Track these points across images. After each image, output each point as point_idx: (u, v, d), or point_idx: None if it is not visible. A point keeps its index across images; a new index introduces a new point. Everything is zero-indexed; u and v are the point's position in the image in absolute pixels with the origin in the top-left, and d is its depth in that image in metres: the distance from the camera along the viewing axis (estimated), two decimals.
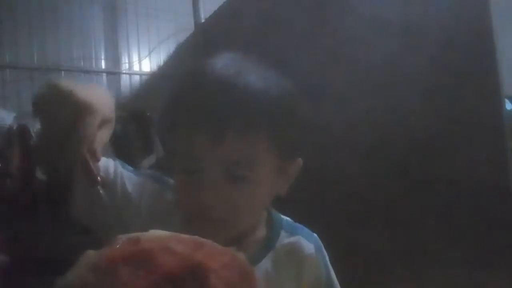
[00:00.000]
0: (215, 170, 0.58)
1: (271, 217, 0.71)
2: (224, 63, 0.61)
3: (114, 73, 4.16)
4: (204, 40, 2.68)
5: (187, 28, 3.11)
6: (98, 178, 0.62)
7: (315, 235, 0.73)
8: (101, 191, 0.64)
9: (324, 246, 0.76)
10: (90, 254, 0.49)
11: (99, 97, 0.64)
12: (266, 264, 0.64)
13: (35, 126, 3.37)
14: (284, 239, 0.68)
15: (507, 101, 1.30)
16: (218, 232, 0.58)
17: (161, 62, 4.17)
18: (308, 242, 0.70)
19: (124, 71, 4.19)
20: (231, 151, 0.57)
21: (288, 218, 0.74)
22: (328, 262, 0.72)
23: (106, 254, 0.48)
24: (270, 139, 0.59)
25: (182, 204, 0.62)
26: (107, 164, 0.71)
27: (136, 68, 4.25)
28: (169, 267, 0.46)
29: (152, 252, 0.47)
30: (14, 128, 3.46)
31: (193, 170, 0.59)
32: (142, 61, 4.27)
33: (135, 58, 4.27)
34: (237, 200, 0.59)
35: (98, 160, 0.64)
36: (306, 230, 0.73)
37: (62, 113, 0.58)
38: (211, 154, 0.57)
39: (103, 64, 4.16)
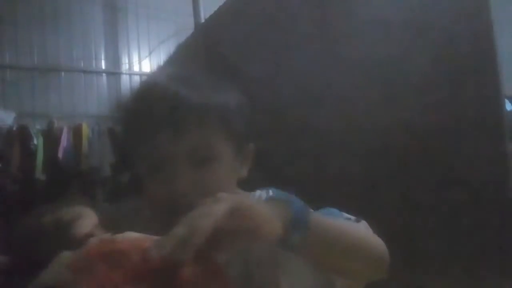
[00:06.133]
0: (180, 160, 0.66)
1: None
2: (173, 73, 0.73)
3: (114, 74, 4.17)
4: (204, 41, 2.68)
5: (187, 28, 3.11)
6: None
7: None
8: None
9: None
10: (66, 254, 0.50)
11: None
12: None
13: (34, 127, 3.39)
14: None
15: (507, 101, 1.30)
16: None
17: (161, 63, 4.17)
18: (266, 193, 0.78)
19: (124, 72, 4.20)
20: (190, 140, 0.66)
21: None
22: None
23: (82, 252, 0.49)
24: (223, 126, 0.69)
25: (156, 200, 0.69)
26: None
27: (136, 68, 4.25)
28: (144, 265, 0.48)
29: (128, 252, 0.49)
30: (14, 128, 3.48)
31: (160, 166, 0.67)
32: (142, 62, 4.28)
33: (135, 58, 4.27)
34: (204, 181, 0.67)
35: None
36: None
37: None
38: (174, 147, 0.66)
39: (103, 65, 4.17)
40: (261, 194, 0.74)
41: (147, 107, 0.67)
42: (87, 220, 0.56)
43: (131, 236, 0.51)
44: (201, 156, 0.67)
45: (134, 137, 0.70)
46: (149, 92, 0.70)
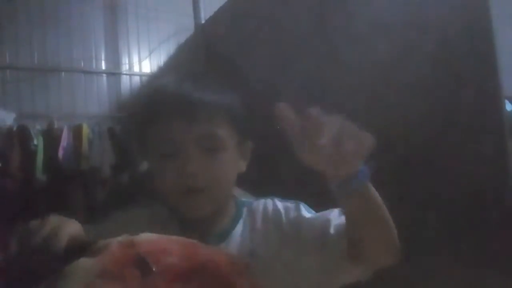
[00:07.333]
0: (191, 145, 0.74)
1: (235, 200, 0.87)
2: (186, 74, 0.84)
3: (114, 74, 4.16)
4: (204, 41, 2.68)
5: (187, 29, 3.11)
6: None
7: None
8: None
9: None
10: (88, 262, 0.47)
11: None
12: (238, 228, 0.81)
13: (35, 127, 3.39)
14: (250, 207, 0.85)
15: (507, 101, 1.30)
16: (201, 202, 0.75)
17: (161, 63, 4.17)
18: (271, 200, 0.84)
19: (124, 72, 4.19)
20: (202, 129, 0.75)
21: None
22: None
23: (109, 259, 0.47)
24: (228, 121, 0.78)
25: (167, 184, 0.75)
26: None
27: (136, 69, 4.25)
28: (179, 266, 0.46)
29: (154, 254, 0.47)
30: (14, 128, 3.47)
31: (172, 153, 0.75)
32: (142, 62, 4.27)
33: (135, 59, 4.26)
34: (213, 167, 0.75)
35: None
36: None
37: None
38: (187, 135, 0.74)
39: (103, 65, 4.16)
40: (266, 202, 0.84)
41: (165, 101, 0.77)
42: (64, 234, 0.54)
43: (150, 237, 0.50)
44: (209, 144, 0.76)
45: (151, 126, 0.78)
46: (166, 88, 0.80)
